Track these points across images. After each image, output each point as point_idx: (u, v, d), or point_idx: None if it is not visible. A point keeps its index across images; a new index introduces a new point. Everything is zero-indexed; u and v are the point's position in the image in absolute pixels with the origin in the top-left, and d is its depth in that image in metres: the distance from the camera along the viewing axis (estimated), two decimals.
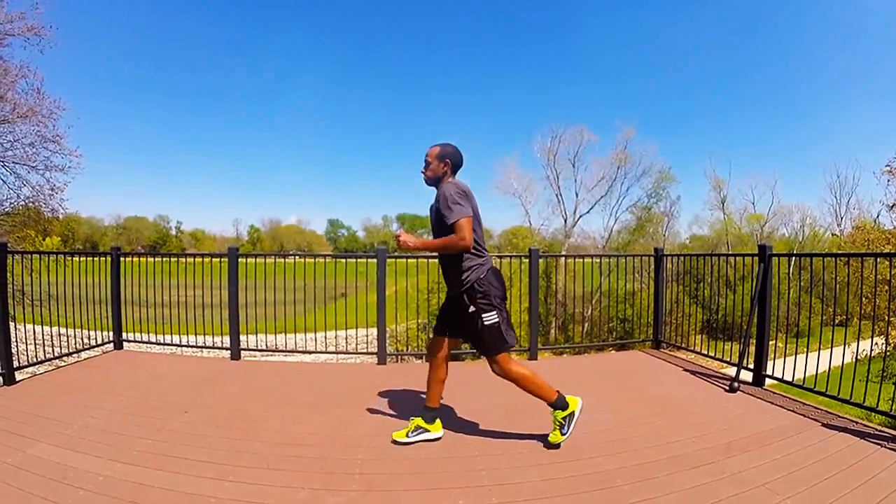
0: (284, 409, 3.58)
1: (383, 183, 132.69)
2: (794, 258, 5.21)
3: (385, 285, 5.09)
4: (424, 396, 3.14)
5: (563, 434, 2.87)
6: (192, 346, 5.56)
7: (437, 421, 3.03)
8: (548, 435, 2.92)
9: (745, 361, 4.20)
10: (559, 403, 2.90)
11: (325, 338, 6.47)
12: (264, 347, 5.71)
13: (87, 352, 5.08)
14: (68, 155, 13.81)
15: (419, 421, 3.00)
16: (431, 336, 3.19)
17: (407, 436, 2.96)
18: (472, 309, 2.83)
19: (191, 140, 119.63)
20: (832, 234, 33.61)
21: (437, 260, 3.09)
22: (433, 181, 2.98)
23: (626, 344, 7.06)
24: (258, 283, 6.12)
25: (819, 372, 3.85)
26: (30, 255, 5.40)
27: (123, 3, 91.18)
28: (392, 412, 3.49)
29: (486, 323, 2.81)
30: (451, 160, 2.95)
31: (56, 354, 4.73)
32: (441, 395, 3.10)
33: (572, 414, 2.90)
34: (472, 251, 2.84)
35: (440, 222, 2.85)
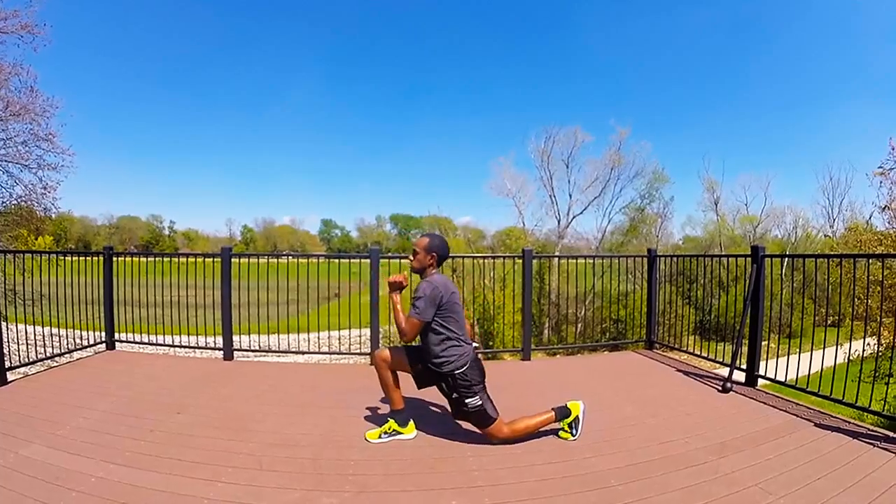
0: (278, 410, 3.57)
1: (377, 183, 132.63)
2: (786, 259, 5.24)
3: (378, 286, 5.07)
4: (408, 398, 3.17)
5: (573, 436, 3.07)
6: (184, 347, 5.52)
7: (411, 423, 3.12)
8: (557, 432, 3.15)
9: (737, 362, 4.22)
10: (561, 415, 3.10)
11: (318, 338, 6.44)
12: (257, 348, 5.69)
13: (79, 352, 5.04)
14: (61, 153, 13.73)
15: (393, 424, 3.07)
16: (391, 346, 3.25)
17: (380, 437, 3.04)
18: (455, 395, 2.99)
19: (184, 139, 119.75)
20: (825, 236, 33.77)
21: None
22: (418, 270, 3.16)
23: (620, 344, 7.09)
24: (251, 283, 6.09)
25: (811, 372, 3.87)
26: (22, 255, 5.35)
27: (119, 1, 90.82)
28: (385, 413, 3.48)
29: (470, 408, 2.96)
30: (437, 253, 3.13)
31: (48, 355, 4.69)
32: (401, 395, 3.13)
33: (577, 418, 3.09)
34: (454, 340, 3.01)
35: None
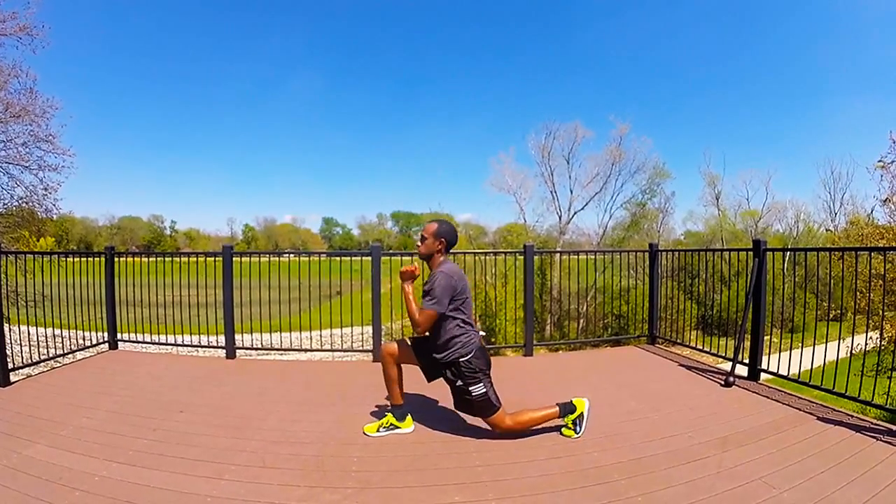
0: (280, 408, 3.58)
1: (378, 181, 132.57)
2: (788, 253, 5.22)
3: (380, 283, 5.08)
4: (411, 394, 3.18)
5: (576, 433, 3.02)
6: (187, 346, 5.53)
7: (408, 417, 3.18)
8: (560, 429, 3.10)
9: (740, 356, 4.22)
10: (566, 411, 3.05)
11: (321, 336, 6.45)
12: (259, 346, 5.69)
13: (81, 352, 5.05)
14: (61, 154, 13.76)
15: (391, 418, 3.13)
16: (398, 339, 3.26)
17: (378, 430, 3.09)
18: (459, 383, 2.98)
19: (185, 139, 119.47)
20: (826, 230, 33.70)
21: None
22: (426, 256, 3.15)
23: (622, 340, 7.08)
24: (253, 281, 6.09)
25: (814, 366, 3.86)
26: (24, 256, 5.35)
27: (119, 1, 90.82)
28: (388, 409, 3.48)
29: (474, 395, 2.95)
30: (446, 238, 3.11)
31: (51, 355, 4.70)
32: (402, 391, 3.17)
33: (581, 415, 3.05)
34: (459, 326, 3.00)
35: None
